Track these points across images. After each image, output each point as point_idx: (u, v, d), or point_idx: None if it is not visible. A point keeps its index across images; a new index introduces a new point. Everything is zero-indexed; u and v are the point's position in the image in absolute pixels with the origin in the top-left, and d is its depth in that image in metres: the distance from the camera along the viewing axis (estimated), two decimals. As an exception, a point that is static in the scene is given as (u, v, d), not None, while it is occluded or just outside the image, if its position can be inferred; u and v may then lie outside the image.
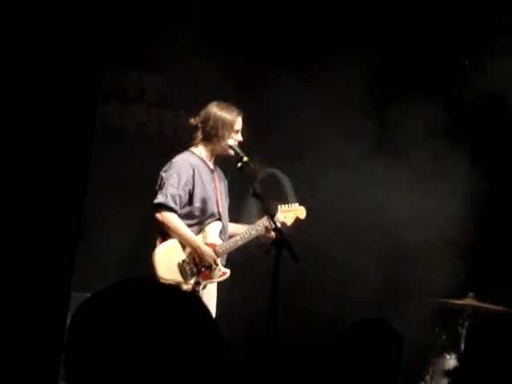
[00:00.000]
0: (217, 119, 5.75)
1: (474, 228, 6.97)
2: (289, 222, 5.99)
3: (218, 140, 5.77)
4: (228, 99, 5.88)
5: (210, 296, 5.75)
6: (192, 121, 5.87)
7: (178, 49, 6.57)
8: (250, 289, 6.65)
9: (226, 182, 6.02)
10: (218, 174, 5.95)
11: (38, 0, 3.86)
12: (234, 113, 5.79)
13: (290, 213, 6.03)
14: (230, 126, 5.77)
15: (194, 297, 1.68)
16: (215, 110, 5.79)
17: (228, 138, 5.74)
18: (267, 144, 7.00)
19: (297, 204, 6.10)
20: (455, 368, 1.91)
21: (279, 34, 7.22)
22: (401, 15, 7.37)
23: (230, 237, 5.87)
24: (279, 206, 5.99)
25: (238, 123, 5.80)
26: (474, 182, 6.95)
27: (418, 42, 7.44)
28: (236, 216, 6.14)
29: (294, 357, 6.89)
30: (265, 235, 5.80)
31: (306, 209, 6.11)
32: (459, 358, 1.82)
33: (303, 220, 6.08)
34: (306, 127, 7.02)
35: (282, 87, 6.87)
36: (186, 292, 1.69)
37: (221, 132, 5.74)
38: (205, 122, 5.79)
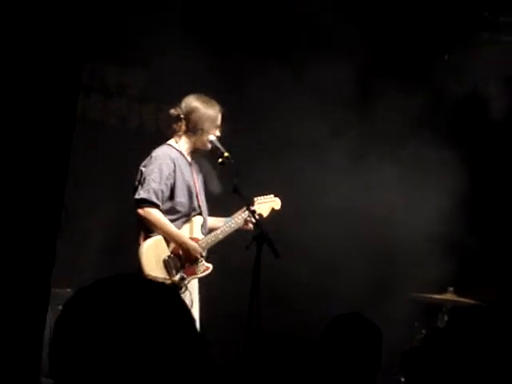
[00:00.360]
0: (202, 113, 5.76)
1: (458, 224, 7.00)
2: (265, 213, 6.00)
3: (202, 133, 5.77)
4: (209, 94, 5.88)
5: (193, 289, 5.77)
6: (173, 111, 5.83)
7: (159, 44, 6.55)
8: (231, 284, 6.65)
9: (202, 176, 6.02)
10: (195, 168, 5.95)
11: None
12: (217, 108, 5.81)
13: (265, 204, 6.04)
14: (213, 120, 5.78)
15: (173, 291, 1.69)
16: (199, 103, 5.78)
17: (210, 133, 5.76)
18: (250, 139, 7.01)
19: (272, 195, 6.12)
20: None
21: (263, 28, 7.23)
22: (383, 11, 7.39)
23: (210, 231, 5.88)
24: (255, 199, 6.01)
25: (219, 118, 5.82)
26: (460, 179, 6.98)
27: (401, 36, 7.47)
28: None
29: (276, 351, 6.91)
30: (243, 227, 5.83)
31: (282, 201, 6.13)
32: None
33: (279, 211, 6.10)
34: (290, 122, 7.03)
35: (265, 82, 6.87)
36: (166, 286, 1.70)
37: (206, 126, 5.75)
38: (188, 114, 5.78)
